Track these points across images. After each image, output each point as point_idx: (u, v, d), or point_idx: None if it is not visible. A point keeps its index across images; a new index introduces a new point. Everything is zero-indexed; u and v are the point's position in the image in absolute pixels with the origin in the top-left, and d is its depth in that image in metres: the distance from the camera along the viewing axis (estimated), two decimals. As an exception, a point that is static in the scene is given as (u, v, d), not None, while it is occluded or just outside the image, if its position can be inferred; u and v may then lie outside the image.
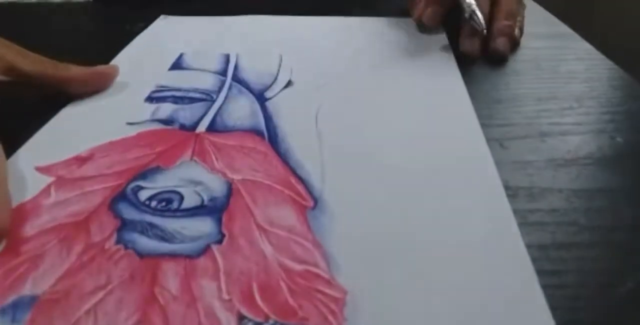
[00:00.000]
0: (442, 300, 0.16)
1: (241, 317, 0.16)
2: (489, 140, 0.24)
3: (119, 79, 0.30)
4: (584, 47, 0.35)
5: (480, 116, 0.26)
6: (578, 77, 0.31)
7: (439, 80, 0.30)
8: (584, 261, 0.18)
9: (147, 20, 0.38)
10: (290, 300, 0.16)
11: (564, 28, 0.38)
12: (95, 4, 0.45)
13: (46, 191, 0.21)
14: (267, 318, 0.16)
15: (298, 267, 0.17)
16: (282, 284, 0.17)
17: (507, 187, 0.21)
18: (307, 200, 0.20)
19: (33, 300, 0.16)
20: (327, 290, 0.17)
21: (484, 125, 0.25)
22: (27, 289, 0.17)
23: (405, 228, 0.19)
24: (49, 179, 0.22)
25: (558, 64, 0.32)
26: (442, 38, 0.35)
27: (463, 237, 0.19)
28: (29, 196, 0.21)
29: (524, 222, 0.19)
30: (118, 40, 0.35)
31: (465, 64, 0.32)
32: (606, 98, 0.28)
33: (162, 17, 0.39)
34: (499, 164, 0.23)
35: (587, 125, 0.26)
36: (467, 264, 0.18)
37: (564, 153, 0.24)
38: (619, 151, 0.24)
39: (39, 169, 0.22)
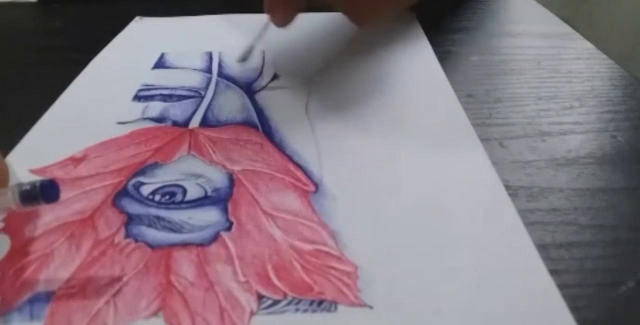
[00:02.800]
0: (442, 268, 0.17)
1: (260, 297, 0.16)
2: (489, 139, 0.24)
3: (103, 79, 0.30)
4: (585, 46, 0.35)
5: (480, 115, 0.26)
6: (579, 76, 0.31)
7: (418, 66, 0.31)
8: (584, 261, 0.18)
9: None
10: (306, 278, 0.17)
11: (565, 27, 0.38)
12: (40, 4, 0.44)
13: (45, 192, 0.21)
14: (285, 295, 0.16)
15: (308, 247, 0.18)
16: (295, 264, 0.18)
17: (507, 187, 0.21)
18: (309, 185, 0.21)
19: (49, 296, 0.17)
20: (339, 266, 0.17)
21: (484, 125, 0.26)
22: (41, 286, 0.17)
23: (405, 204, 0.20)
24: (46, 181, 0.22)
25: (558, 63, 0.32)
26: (417, 27, 0.37)
27: (462, 213, 0.20)
28: (26, 198, 0.21)
29: (525, 222, 0.20)
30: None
31: (464, 62, 0.32)
32: (607, 97, 0.28)
33: (137, 18, 0.39)
34: (498, 163, 0.23)
35: (588, 124, 0.26)
36: (464, 233, 0.19)
37: (564, 152, 0.24)
38: (620, 150, 0.24)
39: (34, 171, 0.22)
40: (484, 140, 0.24)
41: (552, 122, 0.26)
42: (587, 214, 0.20)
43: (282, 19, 0.29)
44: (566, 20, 0.39)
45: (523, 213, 0.20)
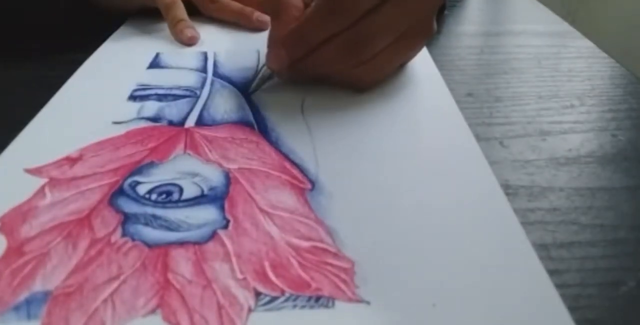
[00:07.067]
0: (439, 264, 0.18)
1: (258, 293, 0.16)
2: (489, 139, 0.25)
3: (97, 79, 0.30)
4: (585, 45, 0.35)
5: (480, 115, 0.27)
6: (579, 75, 0.31)
7: (413, 65, 0.31)
8: (585, 260, 0.18)
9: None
10: (303, 274, 0.17)
11: (565, 26, 0.39)
12: None
13: (40, 192, 0.21)
14: (282, 292, 0.16)
15: (305, 244, 0.18)
16: (293, 260, 0.18)
17: (507, 186, 0.21)
18: (305, 182, 0.21)
19: (46, 295, 0.17)
20: (336, 262, 0.17)
21: (484, 124, 0.26)
22: (38, 286, 0.17)
23: (401, 201, 0.20)
24: (41, 181, 0.22)
25: (559, 62, 0.32)
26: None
27: (455, 212, 0.20)
28: (22, 198, 0.21)
29: (525, 221, 0.19)
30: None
31: (464, 61, 0.32)
32: (607, 96, 0.29)
33: (128, 21, 0.39)
34: (499, 162, 0.23)
35: (589, 123, 0.26)
36: (458, 228, 0.19)
37: (565, 151, 0.24)
38: (620, 149, 0.24)
39: (30, 171, 0.22)
40: (485, 139, 0.25)
41: (553, 121, 0.26)
42: (587, 213, 0.20)
43: (276, 61, 0.27)
44: (567, 19, 0.39)
45: (523, 212, 0.20)
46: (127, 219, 0.20)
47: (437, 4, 0.27)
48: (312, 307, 0.16)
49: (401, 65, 0.30)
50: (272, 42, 0.28)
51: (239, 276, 0.17)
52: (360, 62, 0.26)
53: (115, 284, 0.17)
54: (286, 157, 0.23)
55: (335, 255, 0.18)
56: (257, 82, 0.29)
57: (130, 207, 0.20)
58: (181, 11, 0.36)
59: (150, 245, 0.18)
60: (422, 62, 0.32)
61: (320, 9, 0.25)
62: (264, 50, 0.33)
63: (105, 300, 0.16)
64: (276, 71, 0.28)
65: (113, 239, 0.19)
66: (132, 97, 0.28)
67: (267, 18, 0.37)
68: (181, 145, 0.24)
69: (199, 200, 0.21)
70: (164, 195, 0.21)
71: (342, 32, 0.25)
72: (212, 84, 0.30)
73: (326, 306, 0.16)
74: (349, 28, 0.25)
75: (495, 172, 0.22)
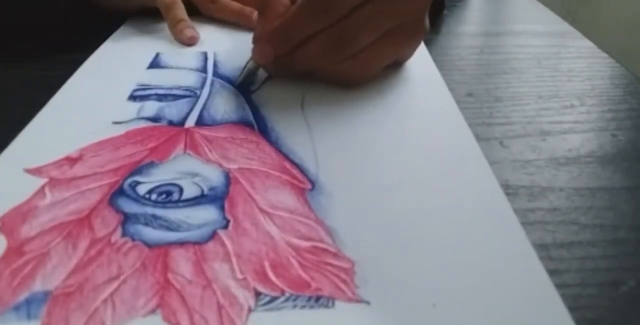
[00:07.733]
0: (439, 264, 0.18)
1: (258, 293, 0.16)
2: (489, 139, 0.25)
3: (97, 79, 0.30)
4: (585, 45, 0.35)
5: (480, 115, 0.27)
6: (579, 75, 0.31)
7: (413, 64, 0.31)
8: (585, 260, 0.18)
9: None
10: (303, 274, 0.17)
11: (565, 26, 0.39)
12: None
13: (40, 192, 0.21)
14: (282, 292, 0.16)
15: (305, 244, 0.18)
16: (293, 260, 0.18)
17: (507, 186, 0.21)
18: (305, 183, 0.21)
19: (46, 295, 0.17)
20: (336, 262, 0.18)
21: (484, 124, 0.26)
22: (38, 286, 0.17)
23: (401, 201, 0.20)
24: (41, 181, 0.22)
25: (559, 62, 0.33)
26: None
27: (455, 212, 0.20)
28: (22, 198, 0.21)
29: (525, 221, 0.19)
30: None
31: (464, 61, 0.33)
32: (607, 96, 0.29)
33: (128, 21, 0.39)
34: (499, 162, 0.23)
35: (589, 123, 0.26)
36: (458, 229, 0.19)
37: (565, 151, 0.24)
38: (620, 149, 0.24)
39: (30, 171, 0.22)
40: (485, 139, 0.25)
41: (553, 121, 0.26)
42: (587, 213, 0.20)
43: (261, 56, 0.28)
44: (567, 19, 0.40)
45: (523, 212, 0.20)
46: (127, 219, 0.20)
47: (428, 4, 0.27)
48: (312, 307, 0.16)
49: (397, 64, 0.30)
50: (257, 38, 0.28)
51: (239, 276, 0.17)
52: (344, 58, 0.26)
53: (115, 284, 0.17)
54: (286, 157, 0.23)
55: (335, 255, 0.18)
56: (243, 75, 0.29)
57: (130, 207, 0.20)
58: (181, 11, 0.36)
59: (150, 245, 0.18)
60: (422, 62, 0.32)
61: (305, 6, 0.26)
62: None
63: (105, 300, 0.16)
64: (262, 65, 0.29)
65: (113, 239, 0.19)
66: (132, 97, 0.28)
67: None
68: (181, 145, 0.24)
69: (199, 200, 0.21)
70: (164, 195, 0.21)
71: (326, 29, 0.26)
72: (212, 84, 0.30)
73: (326, 306, 0.16)
74: (333, 25, 0.25)
75: (495, 172, 0.22)
